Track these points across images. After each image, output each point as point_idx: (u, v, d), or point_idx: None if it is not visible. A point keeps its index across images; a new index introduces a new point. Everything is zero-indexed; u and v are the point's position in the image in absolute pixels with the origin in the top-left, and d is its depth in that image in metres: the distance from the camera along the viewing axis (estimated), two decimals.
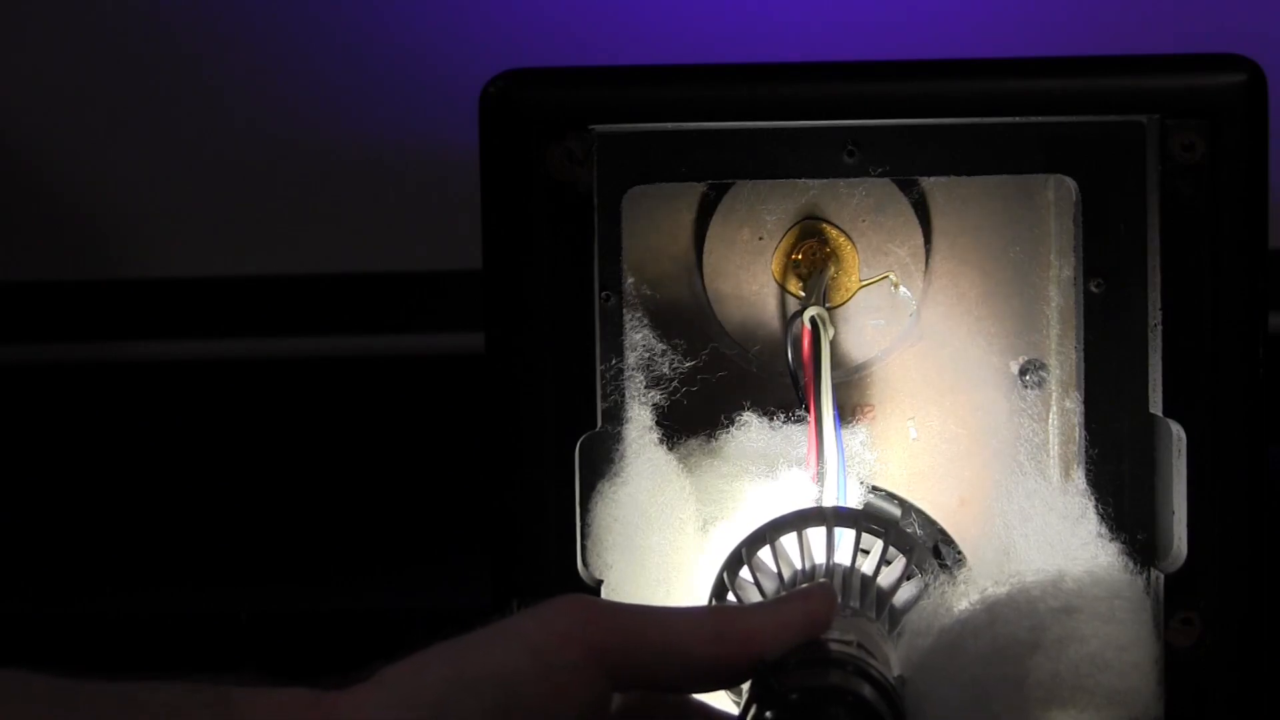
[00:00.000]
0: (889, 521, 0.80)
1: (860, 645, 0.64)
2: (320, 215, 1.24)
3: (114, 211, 1.25)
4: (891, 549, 0.77)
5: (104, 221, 1.25)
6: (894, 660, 0.69)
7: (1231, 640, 0.76)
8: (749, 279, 0.85)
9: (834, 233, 0.85)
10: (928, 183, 0.84)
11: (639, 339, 0.81)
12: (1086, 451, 0.81)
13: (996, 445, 0.85)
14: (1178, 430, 0.76)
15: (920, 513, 0.85)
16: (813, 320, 0.82)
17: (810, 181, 0.83)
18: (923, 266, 0.85)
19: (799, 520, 0.77)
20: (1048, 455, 0.85)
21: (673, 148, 0.78)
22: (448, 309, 1.21)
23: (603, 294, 0.79)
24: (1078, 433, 0.82)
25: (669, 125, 0.77)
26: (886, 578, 0.76)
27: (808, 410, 0.81)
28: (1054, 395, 0.85)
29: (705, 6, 1.20)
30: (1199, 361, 0.76)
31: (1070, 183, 0.80)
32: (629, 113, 0.77)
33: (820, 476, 0.81)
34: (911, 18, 1.19)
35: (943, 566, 0.82)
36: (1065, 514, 0.80)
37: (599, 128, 0.76)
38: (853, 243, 0.85)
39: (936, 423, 0.86)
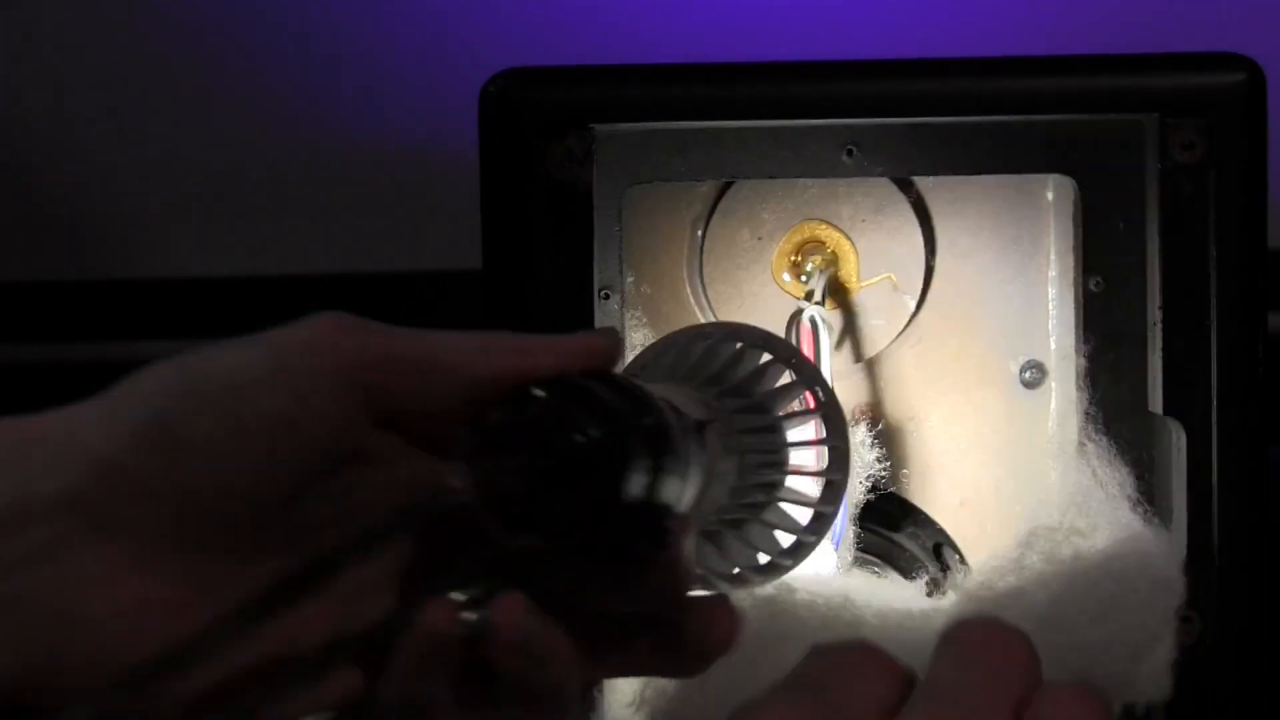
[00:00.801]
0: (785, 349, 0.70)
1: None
2: (320, 215, 1.24)
3: (114, 211, 1.25)
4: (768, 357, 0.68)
5: (104, 221, 1.25)
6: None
7: (1231, 640, 0.76)
8: (748, 279, 0.85)
9: (833, 233, 0.85)
10: (927, 182, 0.84)
11: (639, 339, 0.81)
12: (1086, 451, 0.81)
13: (997, 445, 0.85)
14: (1177, 429, 0.76)
15: (921, 513, 0.85)
16: (812, 320, 0.82)
17: (810, 181, 0.83)
18: (922, 266, 0.85)
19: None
20: (1047, 455, 0.85)
21: (672, 147, 0.78)
22: (448, 308, 1.21)
23: (602, 293, 0.79)
24: (1077, 432, 0.82)
25: (669, 124, 0.78)
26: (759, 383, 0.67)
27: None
28: (1054, 394, 0.85)
29: (705, 6, 1.20)
30: (1198, 361, 0.76)
31: (1070, 182, 0.80)
32: (629, 112, 0.77)
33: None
34: (911, 17, 1.19)
35: (943, 569, 0.82)
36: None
37: (599, 127, 0.76)
38: (852, 243, 0.85)
39: (936, 423, 0.86)
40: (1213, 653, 0.76)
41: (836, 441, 0.66)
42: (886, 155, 0.79)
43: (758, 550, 0.64)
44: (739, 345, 0.65)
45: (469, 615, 0.51)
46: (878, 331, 0.86)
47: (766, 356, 0.65)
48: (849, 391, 0.86)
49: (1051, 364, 0.85)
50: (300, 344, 0.51)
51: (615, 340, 0.55)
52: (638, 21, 1.19)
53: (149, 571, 0.49)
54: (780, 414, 0.64)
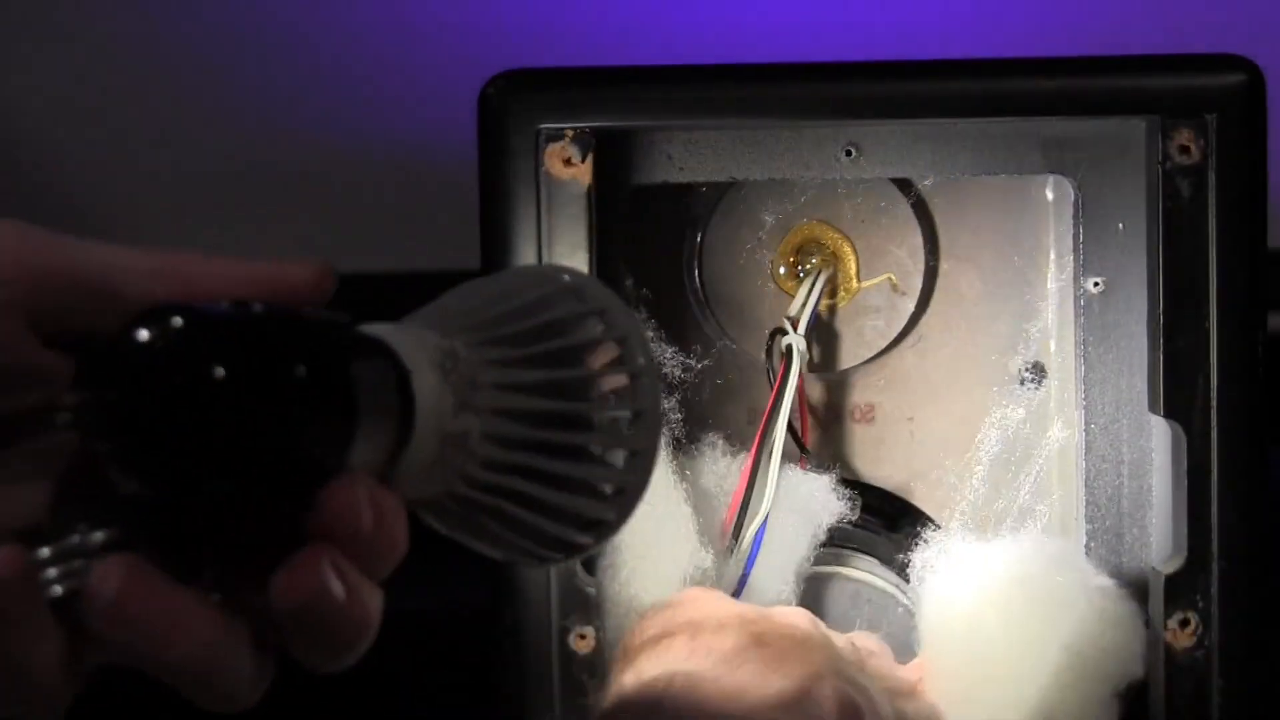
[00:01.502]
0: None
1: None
2: (320, 215, 1.24)
3: (114, 211, 1.25)
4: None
5: (104, 221, 1.25)
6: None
7: (1230, 640, 0.76)
8: (748, 280, 0.85)
9: (833, 234, 0.85)
10: (927, 183, 0.84)
11: None
12: (1085, 452, 0.81)
13: (997, 445, 0.85)
14: (1176, 430, 0.76)
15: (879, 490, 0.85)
16: (788, 348, 0.81)
17: (809, 182, 0.83)
18: (922, 267, 0.85)
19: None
20: (1046, 456, 0.85)
21: (671, 148, 0.78)
22: None
23: None
24: (1077, 433, 0.82)
25: (667, 124, 0.77)
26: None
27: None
28: (1053, 395, 0.85)
29: (705, 8, 1.20)
30: (1198, 362, 0.76)
31: (1069, 183, 0.80)
32: (627, 112, 0.77)
33: (740, 515, 0.80)
34: (910, 19, 1.19)
35: (909, 535, 0.82)
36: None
37: (597, 128, 0.76)
38: (852, 244, 0.85)
39: (936, 423, 0.86)
40: (1212, 653, 0.76)
41: (641, 406, 0.55)
42: (886, 156, 0.79)
43: (552, 524, 0.54)
44: (537, 290, 0.55)
45: (80, 563, 0.46)
46: (878, 331, 0.86)
47: (577, 306, 0.54)
48: (849, 392, 0.86)
49: (1051, 364, 0.85)
50: None
51: (318, 272, 0.50)
52: (637, 23, 1.19)
53: None
54: (561, 373, 0.54)
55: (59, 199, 1.25)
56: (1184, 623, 0.76)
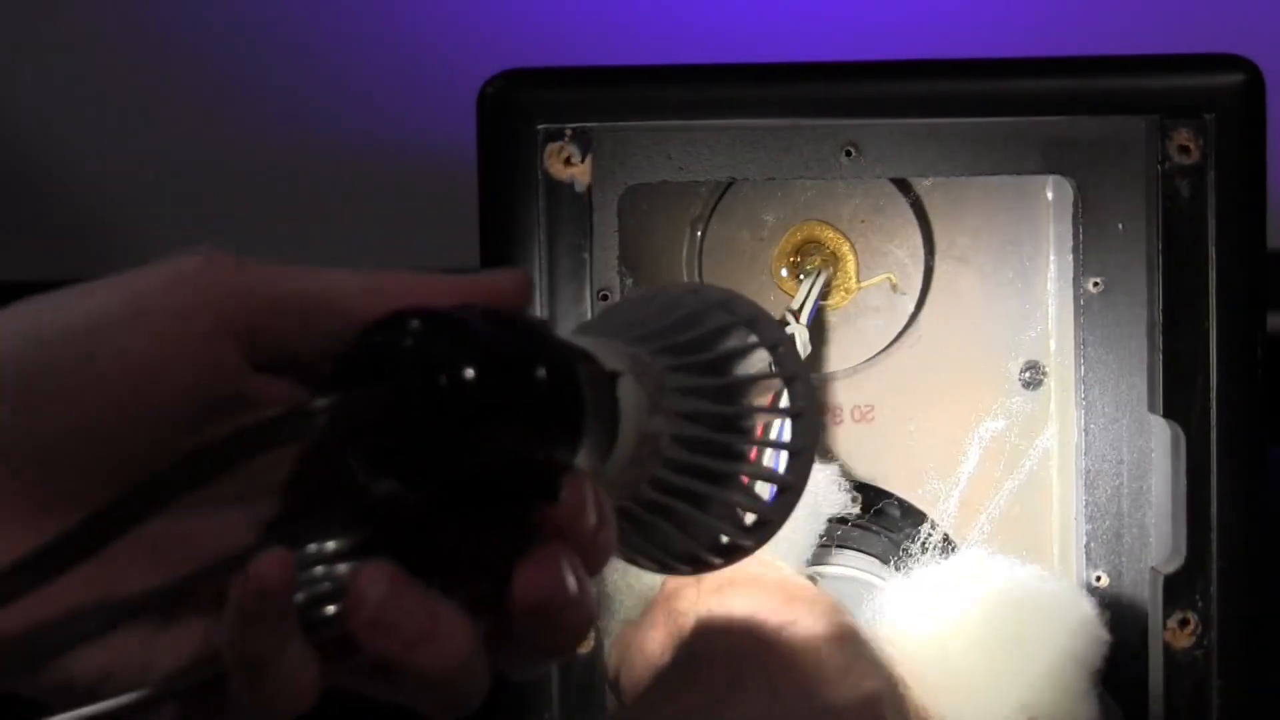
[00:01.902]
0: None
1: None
2: (319, 215, 1.24)
3: (114, 211, 1.25)
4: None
5: (104, 221, 1.25)
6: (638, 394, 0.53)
7: (1229, 641, 0.76)
8: (748, 280, 0.85)
9: (833, 234, 0.85)
10: (926, 183, 0.84)
11: None
12: (1084, 452, 0.81)
13: (997, 445, 0.85)
14: (1176, 430, 0.76)
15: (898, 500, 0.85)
16: (791, 337, 0.82)
17: (809, 182, 0.83)
18: (921, 267, 0.85)
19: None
20: (1046, 456, 0.85)
21: (671, 148, 0.78)
22: None
23: (600, 294, 0.79)
24: (1076, 433, 0.82)
25: (667, 124, 0.77)
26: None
27: None
28: (1053, 395, 0.85)
29: (704, 7, 1.20)
30: (1197, 362, 0.76)
31: (1069, 183, 0.80)
32: (627, 112, 0.77)
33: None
34: (909, 18, 1.19)
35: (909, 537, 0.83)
36: None
37: (597, 127, 0.76)
38: (851, 243, 0.85)
39: (936, 423, 0.86)
40: (1210, 653, 0.76)
41: (803, 410, 0.58)
42: (886, 156, 0.79)
43: (716, 528, 0.57)
44: (699, 303, 0.57)
45: (322, 570, 0.46)
46: (878, 331, 0.86)
47: (726, 318, 0.57)
48: (849, 392, 0.86)
49: (1051, 364, 0.85)
50: (163, 282, 0.46)
51: (522, 280, 0.50)
52: (636, 22, 1.19)
53: (13, 529, 0.46)
54: (732, 378, 0.57)
55: (60, 199, 1.25)
56: (1183, 623, 0.76)
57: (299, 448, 0.49)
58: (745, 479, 0.57)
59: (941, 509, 0.85)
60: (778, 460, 0.57)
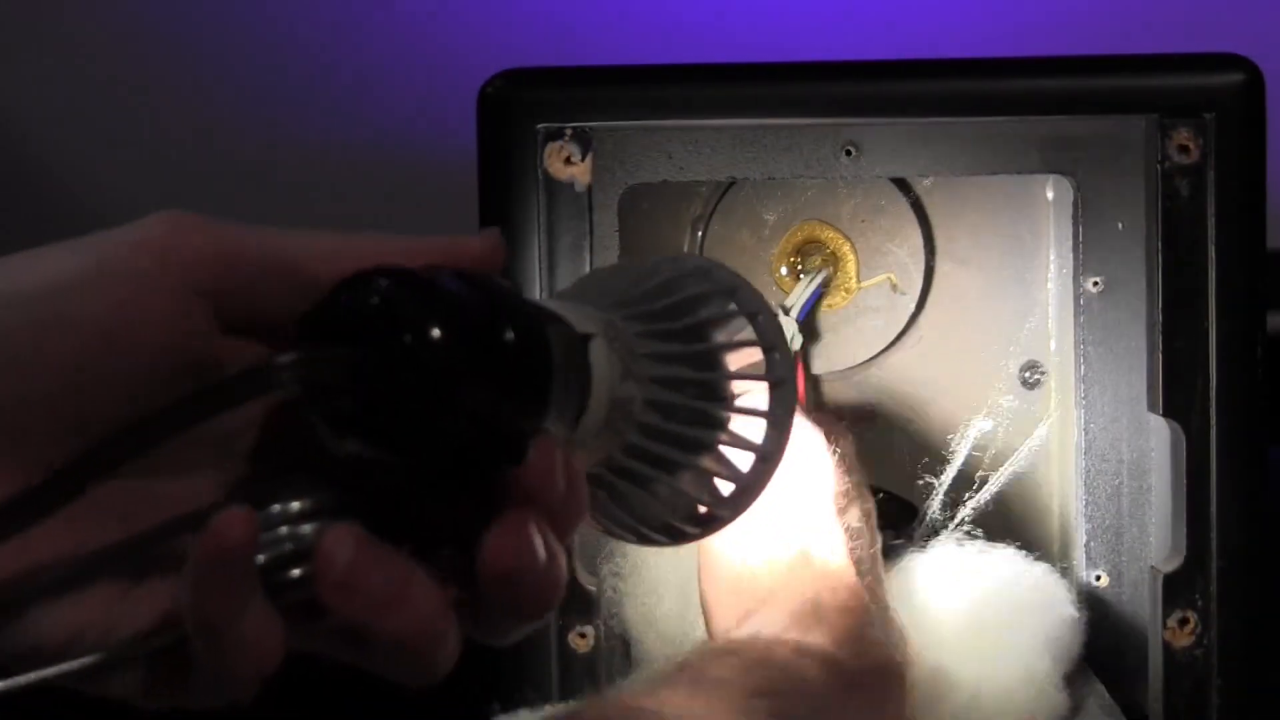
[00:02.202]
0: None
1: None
2: (320, 215, 1.24)
3: (113, 211, 1.25)
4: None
5: (104, 221, 1.25)
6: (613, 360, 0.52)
7: (1229, 640, 0.76)
8: (748, 279, 0.85)
9: (833, 233, 0.85)
10: (926, 183, 0.84)
11: None
12: (1084, 451, 0.81)
13: (997, 445, 0.85)
14: (1175, 430, 0.76)
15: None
16: None
17: (809, 182, 0.83)
18: (921, 266, 0.85)
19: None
20: (1046, 455, 0.85)
21: (670, 147, 0.78)
22: None
23: None
24: (1076, 432, 0.82)
25: (667, 124, 0.77)
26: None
27: None
28: (1053, 394, 0.85)
29: (703, 7, 1.20)
30: (1197, 361, 0.76)
31: (1068, 182, 0.80)
32: (626, 112, 0.77)
33: None
34: (909, 18, 1.19)
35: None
36: None
37: (596, 127, 0.76)
38: (852, 243, 0.85)
39: (936, 423, 0.86)
40: (1210, 652, 0.76)
41: (782, 378, 0.56)
42: (885, 156, 0.79)
43: (694, 497, 0.56)
44: (676, 270, 0.56)
45: (286, 530, 0.45)
46: (878, 331, 0.86)
47: (704, 286, 0.56)
48: (849, 392, 0.86)
49: (1051, 364, 0.85)
50: (128, 244, 0.46)
51: (494, 243, 0.49)
52: (636, 22, 1.19)
53: None
54: (708, 344, 0.55)
55: (58, 198, 1.25)
56: (1183, 621, 0.76)
57: (266, 410, 0.48)
58: (722, 448, 0.55)
59: (941, 508, 0.85)
60: (756, 429, 0.56)
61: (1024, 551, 0.80)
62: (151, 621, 0.47)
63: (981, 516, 0.85)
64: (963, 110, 0.77)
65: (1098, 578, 0.81)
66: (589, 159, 0.76)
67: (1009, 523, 0.85)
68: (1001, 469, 0.85)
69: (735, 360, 0.56)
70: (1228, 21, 1.18)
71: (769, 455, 0.56)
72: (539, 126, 0.76)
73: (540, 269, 0.76)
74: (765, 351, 0.56)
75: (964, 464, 0.85)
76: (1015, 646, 0.75)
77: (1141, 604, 0.79)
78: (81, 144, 1.25)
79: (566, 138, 0.76)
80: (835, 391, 0.86)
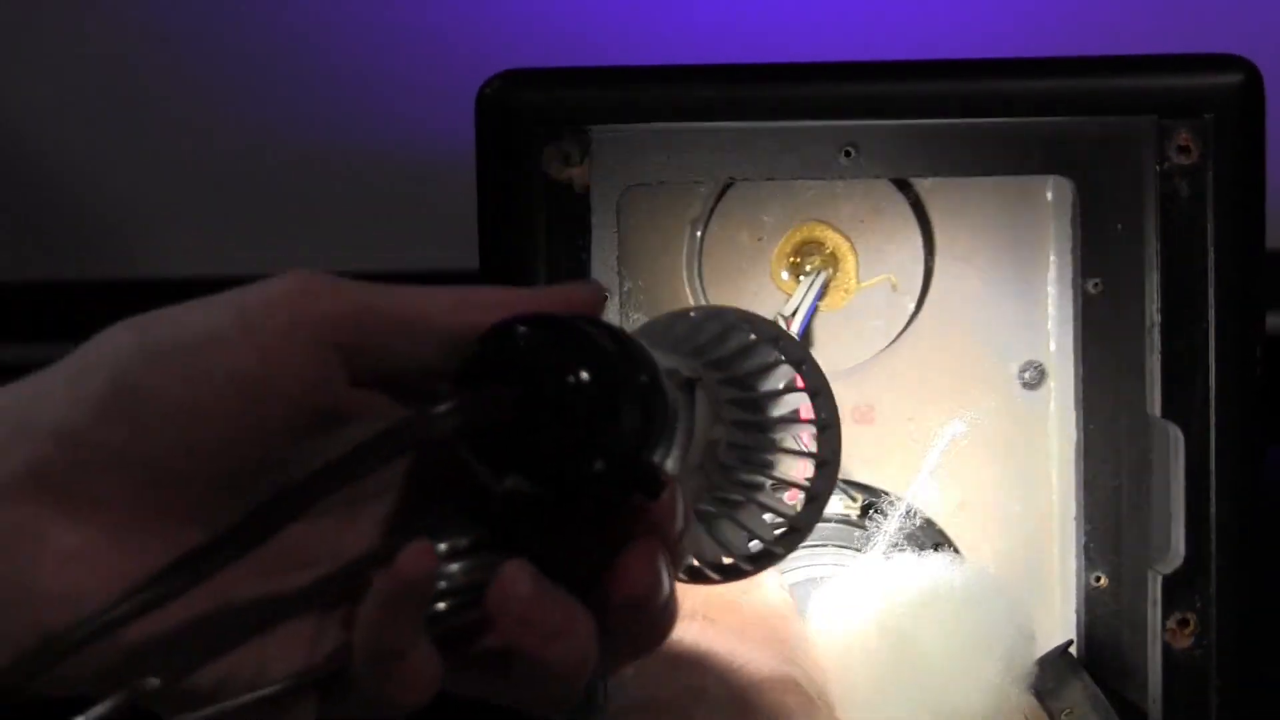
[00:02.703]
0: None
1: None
2: (320, 215, 1.24)
3: (114, 211, 1.25)
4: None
5: (104, 221, 1.25)
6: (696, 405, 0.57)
7: (1229, 641, 0.76)
8: (748, 280, 0.85)
9: (833, 234, 0.85)
10: (926, 183, 0.84)
11: None
12: (1084, 452, 0.81)
13: (997, 446, 0.85)
14: (1175, 431, 0.76)
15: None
16: None
17: (809, 182, 0.83)
18: (921, 267, 0.85)
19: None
20: (1046, 456, 0.85)
21: (670, 148, 0.78)
22: None
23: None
24: (1076, 433, 0.82)
25: (666, 126, 0.77)
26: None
27: None
28: (1052, 395, 0.85)
29: (702, 8, 1.20)
30: (1196, 362, 0.76)
31: (1068, 183, 0.80)
32: (626, 113, 0.77)
33: None
34: (909, 18, 1.19)
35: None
36: None
37: (595, 128, 0.76)
38: (851, 244, 0.85)
39: (936, 423, 0.86)
40: (1210, 654, 0.76)
41: (828, 421, 0.62)
42: (885, 156, 0.79)
43: (750, 535, 0.60)
44: (722, 323, 0.61)
45: (454, 567, 0.48)
46: (877, 332, 0.86)
47: (751, 335, 0.61)
48: (849, 392, 0.86)
49: (1051, 365, 0.85)
50: (266, 301, 0.48)
51: (597, 290, 0.53)
52: (635, 23, 1.19)
53: (128, 543, 0.47)
54: (766, 390, 0.60)
55: (60, 199, 1.25)
56: (1183, 623, 0.76)
57: (413, 454, 0.51)
58: (775, 488, 0.60)
59: (940, 509, 0.85)
60: (806, 470, 0.60)
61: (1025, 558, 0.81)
62: (296, 660, 0.49)
63: (981, 517, 0.85)
64: (963, 111, 0.77)
65: (1097, 579, 0.81)
66: (588, 160, 0.76)
67: (1008, 523, 0.85)
68: (1001, 470, 0.85)
69: (786, 404, 0.60)
70: (1228, 21, 1.18)
71: (819, 494, 0.61)
72: (538, 127, 0.76)
73: (540, 270, 0.76)
74: (811, 396, 0.61)
75: (962, 464, 0.85)
76: (949, 646, 0.76)
77: (1141, 605, 0.79)
78: (81, 144, 1.25)
79: (565, 138, 0.76)
80: (835, 391, 0.86)
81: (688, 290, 0.85)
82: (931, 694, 0.76)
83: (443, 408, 0.46)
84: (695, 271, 0.85)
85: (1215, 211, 0.75)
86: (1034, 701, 0.78)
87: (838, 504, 0.84)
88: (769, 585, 0.79)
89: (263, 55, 1.22)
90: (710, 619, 0.74)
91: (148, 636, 0.47)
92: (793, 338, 0.62)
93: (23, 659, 0.46)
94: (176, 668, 0.47)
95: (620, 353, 0.48)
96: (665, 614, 0.51)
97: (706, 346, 0.59)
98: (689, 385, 0.54)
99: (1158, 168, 0.76)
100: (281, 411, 0.48)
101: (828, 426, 0.61)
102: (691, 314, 0.62)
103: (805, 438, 0.62)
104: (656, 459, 0.49)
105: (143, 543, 0.48)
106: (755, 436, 0.58)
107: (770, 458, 0.59)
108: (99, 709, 0.46)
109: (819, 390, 0.62)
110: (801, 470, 0.61)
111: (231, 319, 0.48)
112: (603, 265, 0.78)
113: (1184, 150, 0.75)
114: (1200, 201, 0.75)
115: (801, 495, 0.60)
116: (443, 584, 0.48)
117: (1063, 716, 0.77)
